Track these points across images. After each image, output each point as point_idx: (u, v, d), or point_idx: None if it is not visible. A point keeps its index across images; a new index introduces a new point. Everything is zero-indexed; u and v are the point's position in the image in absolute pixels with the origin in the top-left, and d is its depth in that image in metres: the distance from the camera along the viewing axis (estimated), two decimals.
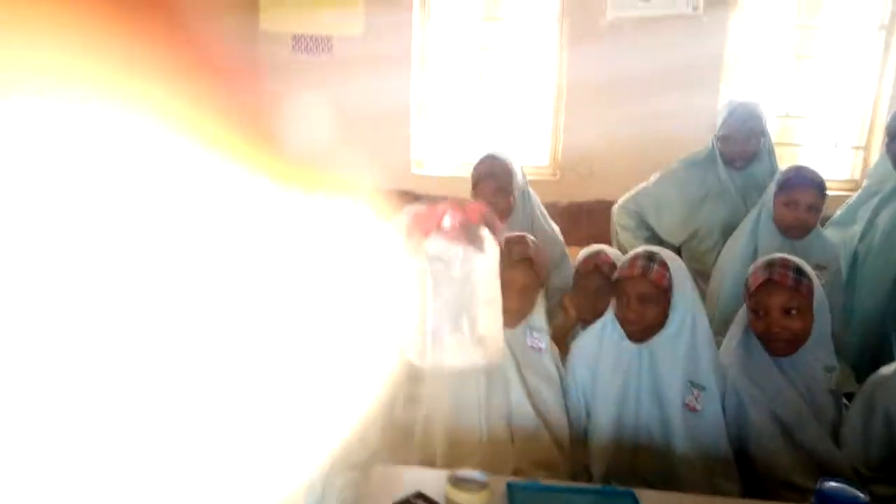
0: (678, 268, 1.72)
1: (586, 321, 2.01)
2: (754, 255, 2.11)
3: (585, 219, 3.66)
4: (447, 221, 0.91)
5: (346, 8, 3.90)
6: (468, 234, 0.90)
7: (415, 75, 4.00)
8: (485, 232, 0.93)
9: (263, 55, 4.09)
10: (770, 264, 1.71)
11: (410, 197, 4.10)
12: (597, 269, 1.96)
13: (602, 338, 1.77)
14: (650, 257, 1.72)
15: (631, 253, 1.80)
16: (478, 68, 3.96)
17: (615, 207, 2.66)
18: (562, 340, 2.04)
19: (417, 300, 0.95)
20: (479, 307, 0.95)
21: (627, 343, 1.72)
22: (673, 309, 1.68)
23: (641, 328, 1.70)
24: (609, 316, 1.78)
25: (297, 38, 4.02)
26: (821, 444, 1.63)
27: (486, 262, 0.95)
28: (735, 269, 2.16)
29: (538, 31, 3.89)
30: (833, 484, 0.99)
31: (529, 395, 1.74)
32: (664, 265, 1.70)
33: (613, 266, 1.95)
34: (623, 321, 1.73)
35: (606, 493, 1.33)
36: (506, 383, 1.74)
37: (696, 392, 1.67)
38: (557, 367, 1.82)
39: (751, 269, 1.77)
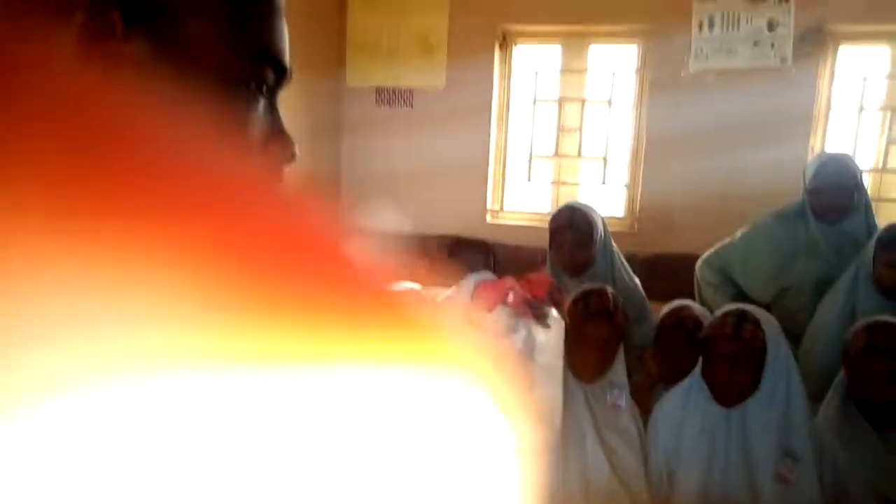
0: (772, 327, 1.63)
1: (668, 380, 1.93)
2: (852, 316, 1.99)
3: (665, 273, 3.56)
4: (512, 297, 0.90)
5: (430, 62, 4.02)
6: (533, 310, 0.90)
7: (493, 127, 4.06)
8: (550, 309, 0.91)
9: (347, 109, 4.25)
10: (872, 328, 1.61)
11: (484, 246, 4.12)
12: (680, 324, 1.89)
13: (687, 400, 1.69)
14: (742, 315, 1.63)
15: (721, 310, 1.72)
16: (557, 120, 3.98)
17: (699, 262, 2.58)
18: (643, 399, 1.96)
19: None
20: (541, 382, 0.94)
21: (715, 407, 1.64)
22: (766, 371, 1.59)
23: (731, 391, 1.61)
24: (695, 377, 1.69)
25: (379, 92, 4.16)
26: None
27: (550, 338, 0.93)
28: (830, 332, 2.03)
29: (618, 83, 3.89)
30: None
31: (607, 453, 1.68)
32: (757, 324, 1.61)
33: (698, 322, 1.87)
34: (711, 383, 1.64)
35: None
36: (581, 439, 1.68)
37: (789, 463, 1.56)
38: (637, 427, 1.75)
39: (850, 331, 1.67)
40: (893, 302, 2.01)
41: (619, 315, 1.75)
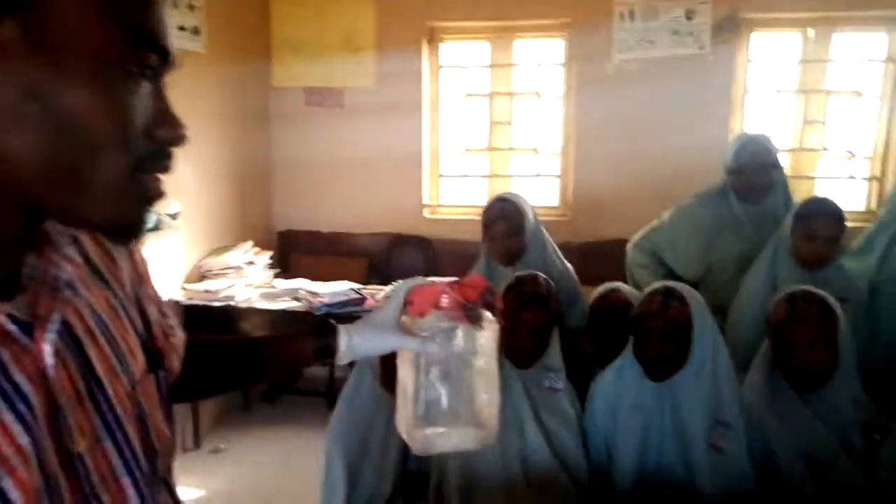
0: (697, 302, 1.68)
1: (602, 361, 1.97)
2: (773, 289, 2.06)
3: (598, 258, 3.62)
4: (445, 300, 0.90)
5: (358, 60, 3.98)
6: (466, 313, 0.90)
7: (426, 122, 4.06)
8: (484, 311, 0.91)
9: (276, 107, 4.18)
10: (792, 297, 1.67)
11: (423, 242, 4.11)
12: (611, 306, 1.93)
13: (621, 378, 1.73)
14: (669, 293, 1.67)
15: (648, 289, 1.74)
16: (486, 114, 4.00)
17: (629, 246, 2.64)
18: (579, 381, 1.99)
19: (409, 377, 0.93)
20: (478, 387, 0.94)
21: (647, 382, 1.67)
22: (694, 345, 1.63)
23: (662, 366, 1.65)
24: (627, 355, 1.73)
25: (308, 92, 4.10)
26: (852, 479, 1.56)
27: (484, 341, 0.93)
28: (754, 304, 2.11)
29: (546, 75, 3.94)
30: None
31: (546, 436, 1.69)
32: (683, 301, 1.65)
33: (629, 303, 1.91)
34: (642, 360, 1.68)
35: None
36: (520, 425, 1.70)
37: (721, 430, 1.61)
38: (575, 409, 1.77)
39: (772, 302, 1.73)
40: (811, 272, 2.10)
41: (552, 300, 1.77)
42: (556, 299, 1.80)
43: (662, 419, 1.66)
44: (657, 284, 1.75)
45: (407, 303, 0.92)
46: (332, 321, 0.93)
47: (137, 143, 0.53)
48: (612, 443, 1.70)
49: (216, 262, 3.55)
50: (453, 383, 0.93)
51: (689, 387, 1.64)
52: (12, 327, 0.51)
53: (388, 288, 3.49)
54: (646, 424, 1.66)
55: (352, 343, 0.90)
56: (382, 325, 0.91)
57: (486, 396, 0.95)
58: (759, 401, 1.69)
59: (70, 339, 0.56)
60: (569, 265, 2.31)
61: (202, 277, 3.54)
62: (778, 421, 1.65)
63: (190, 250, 3.51)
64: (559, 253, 2.30)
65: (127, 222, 0.56)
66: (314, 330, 0.92)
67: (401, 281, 0.94)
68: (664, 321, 1.63)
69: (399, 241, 4.19)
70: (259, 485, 3.13)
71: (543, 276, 1.83)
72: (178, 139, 0.56)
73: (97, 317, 0.60)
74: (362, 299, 3.27)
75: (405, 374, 0.95)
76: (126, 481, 0.59)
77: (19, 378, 0.51)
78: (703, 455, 1.61)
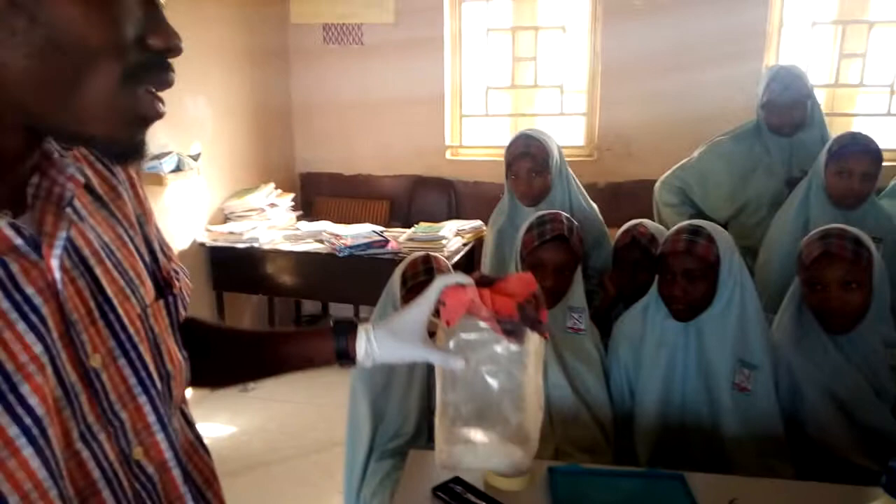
0: (725, 241, 1.63)
1: (627, 299, 1.94)
2: (805, 227, 2.01)
3: (625, 199, 3.56)
4: (480, 312, 0.80)
5: None
6: (504, 328, 0.80)
7: (447, 60, 3.95)
8: (522, 327, 0.80)
9: (295, 45, 4.09)
10: (826, 235, 1.62)
11: (444, 184, 4.07)
12: (635, 241, 1.89)
13: (645, 317, 1.70)
14: (695, 231, 1.62)
15: (674, 227, 1.69)
16: (509, 50, 3.88)
17: (657, 184, 2.57)
18: (603, 320, 1.98)
19: (439, 388, 0.86)
20: (513, 405, 0.85)
21: (672, 322, 1.65)
22: (721, 285, 1.59)
23: (687, 306, 1.62)
24: (652, 294, 1.70)
25: (327, 28, 4.01)
26: (882, 422, 1.54)
27: (524, 355, 0.84)
28: (785, 243, 2.06)
29: (571, 9, 3.80)
30: None
31: (568, 377, 1.69)
32: (711, 239, 1.60)
33: (653, 238, 1.88)
34: (667, 299, 1.64)
35: (654, 477, 1.26)
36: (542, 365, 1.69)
37: (746, 372, 1.59)
38: (598, 349, 1.76)
39: (804, 241, 1.67)
40: (845, 211, 2.03)
41: (574, 240, 1.74)
42: (579, 238, 1.77)
43: (687, 358, 1.64)
44: (684, 223, 1.70)
45: (440, 303, 0.83)
46: (354, 321, 0.88)
47: (128, 52, 0.52)
48: (634, 381, 1.69)
49: (239, 203, 3.55)
50: (485, 400, 0.85)
51: (715, 326, 1.61)
52: (19, 241, 0.52)
53: (409, 231, 3.48)
54: (670, 363, 1.64)
55: (371, 349, 0.84)
56: (406, 331, 0.84)
57: (523, 415, 0.85)
58: (788, 340, 1.65)
59: (78, 259, 0.57)
60: (594, 206, 2.26)
61: (226, 220, 3.55)
62: (806, 361, 1.62)
63: (213, 193, 3.51)
64: (585, 193, 2.25)
65: (123, 139, 0.55)
66: (333, 330, 0.86)
67: (439, 278, 0.83)
68: (690, 260, 1.58)
69: (421, 184, 4.15)
70: (287, 422, 3.21)
71: (566, 214, 1.79)
72: (172, 49, 0.54)
73: (103, 242, 0.60)
74: (385, 241, 3.26)
75: (438, 385, 0.88)
76: (143, 399, 0.61)
77: (29, 290, 0.52)
78: (728, 395, 1.59)
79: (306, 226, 3.56)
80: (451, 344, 0.83)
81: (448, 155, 4.09)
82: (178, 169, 2.97)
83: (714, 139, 2.49)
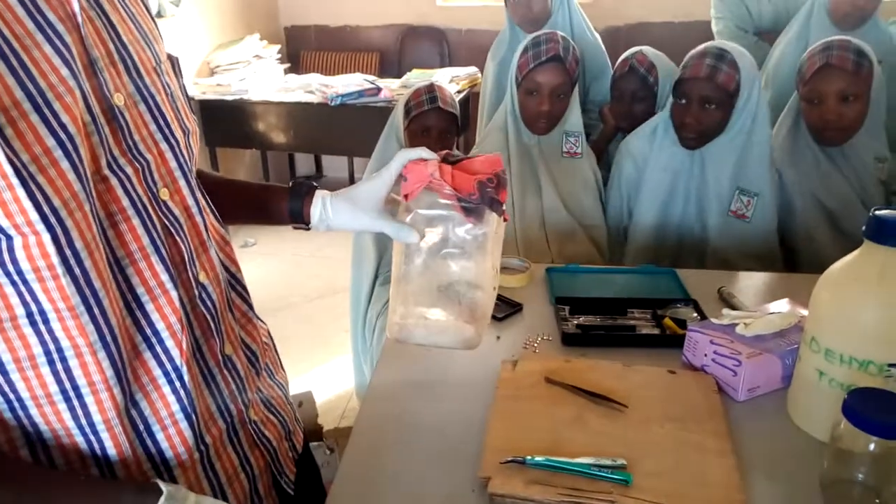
0: (748, 68, 1.52)
1: (625, 129, 1.94)
2: (805, 49, 1.97)
3: (623, 49, 3.46)
4: (441, 188, 0.79)
5: None
6: (463, 206, 0.79)
7: None
8: (482, 206, 0.79)
9: None
10: (828, 47, 1.58)
11: (435, 32, 3.93)
12: (632, 70, 1.86)
13: (653, 139, 1.65)
14: (719, 56, 1.51)
15: (698, 48, 1.57)
16: None
17: None
18: (602, 151, 1.98)
19: (396, 260, 0.85)
20: (467, 284, 0.83)
21: (679, 149, 1.61)
22: (735, 114, 1.52)
23: (698, 135, 1.56)
24: (663, 116, 1.63)
25: None
26: None
27: (480, 234, 0.81)
28: (786, 64, 2.02)
29: None
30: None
31: (563, 200, 1.71)
32: (734, 65, 1.50)
33: (651, 67, 1.84)
34: (678, 126, 1.58)
35: (646, 273, 1.32)
36: (537, 189, 1.72)
37: (745, 199, 1.58)
38: (595, 172, 1.78)
39: (806, 54, 1.64)
40: (846, 31, 1.98)
41: (570, 60, 1.70)
42: (575, 59, 1.73)
43: (689, 184, 1.63)
44: (709, 44, 1.59)
45: (401, 177, 0.81)
46: (314, 184, 0.87)
47: None
48: (634, 200, 1.70)
49: (224, 55, 3.44)
50: (439, 277, 0.83)
51: (720, 153, 1.58)
52: None
53: (401, 79, 3.40)
54: (671, 188, 1.64)
55: (324, 215, 0.84)
56: (364, 200, 0.83)
57: (477, 295, 0.84)
58: (782, 153, 1.67)
59: (94, 2, 0.58)
60: (597, 36, 2.19)
61: (212, 73, 3.46)
62: (797, 172, 1.64)
63: (197, 45, 3.40)
64: (588, 22, 2.18)
65: None
66: (291, 190, 0.86)
67: (402, 152, 0.82)
68: (709, 87, 1.51)
69: (411, 33, 4.02)
70: (290, 272, 3.29)
71: (562, 34, 1.74)
72: None
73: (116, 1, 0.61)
74: (377, 89, 3.20)
75: (395, 258, 0.86)
76: (164, 146, 0.63)
77: (52, 16, 0.52)
78: (721, 219, 1.59)
79: (295, 79, 3.47)
80: (408, 218, 0.82)
81: (438, 1, 3.93)
82: (158, 14, 2.85)
83: None
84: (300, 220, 0.86)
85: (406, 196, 0.81)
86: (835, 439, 0.74)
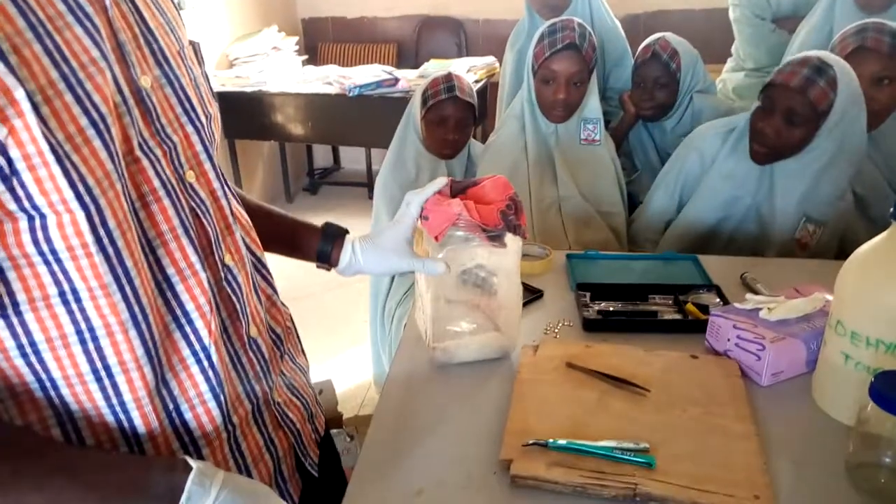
0: (850, 91, 1.36)
1: (646, 116, 1.92)
2: (829, 37, 1.94)
3: (643, 37, 3.43)
4: (462, 223, 0.84)
5: None
6: (487, 235, 0.85)
7: None
8: (504, 232, 0.86)
9: None
10: (863, 29, 1.54)
11: (452, 23, 3.91)
12: (655, 56, 1.84)
13: (726, 141, 1.54)
14: (820, 69, 1.36)
15: (800, 55, 1.43)
16: None
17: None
18: (621, 138, 1.97)
19: (424, 293, 0.91)
20: (496, 305, 0.92)
21: (749, 163, 1.47)
22: (820, 136, 1.38)
23: (772, 150, 1.42)
24: (744, 122, 1.50)
25: None
26: None
27: (505, 256, 0.89)
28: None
29: None
30: None
31: (579, 187, 1.70)
32: (833, 84, 1.35)
33: (674, 53, 1.82)
34: (756, 135, 1.44)
35: (669, 259, 1.31)
36: (553, 177, 1.71)
37: (811, 228, 1.46)
38: (613, 160, 1.76)
39: (838, 36, 1.60)
40: (872, 14, 1.94)
41: (587, 47, 1.68)
42: (592, 46, 1.70)
43: (755, 198, 1.50)
44: (814, 53, 1.42)
45: (423, 217, 0.86)
46: (345, 229, 0.92)
47: None
48: (686, 196, 1.63)
49: (243, 47, 3.46)
50: (470, 300, 0.91)
51: (793, 173, 1.44)
52: None
53: (419, 69, 3.40)
54: (731, 200, 1.52)
55: (354, 259, 0.90)
56: (391, 244, 0.88)
57: (505, 310, 0.93)
58: None
59: None
60: (617, 22, 2.17)
61: (231, 65, 3.48)
62: None
63: (215, 37, 3.42)
64: (608, 7, 2.16)
65: None
66: (324, 231, 0.91)
67: (413, 195, 0.87)
68: (799, 101, 1.36)
69: (428, 24, 4.01)
70: (307, 263, 3.30)
71: (579, 20, 1.72)
72: None
73: None
74: (395, 80, 3.20)
75: (424, 289, 0.93)
76: (190, 129, 0.64)
77: None
78: (781, 245, 1.48)
79: (313, 70, 3.48)
80: (441, 255, 0.87)
81: None
82: (178, 6, 2.87)
83: None
84: (326, 261, 0.92)
85: (436, 238, 0.86)
86: (861, 422, 0.73)
